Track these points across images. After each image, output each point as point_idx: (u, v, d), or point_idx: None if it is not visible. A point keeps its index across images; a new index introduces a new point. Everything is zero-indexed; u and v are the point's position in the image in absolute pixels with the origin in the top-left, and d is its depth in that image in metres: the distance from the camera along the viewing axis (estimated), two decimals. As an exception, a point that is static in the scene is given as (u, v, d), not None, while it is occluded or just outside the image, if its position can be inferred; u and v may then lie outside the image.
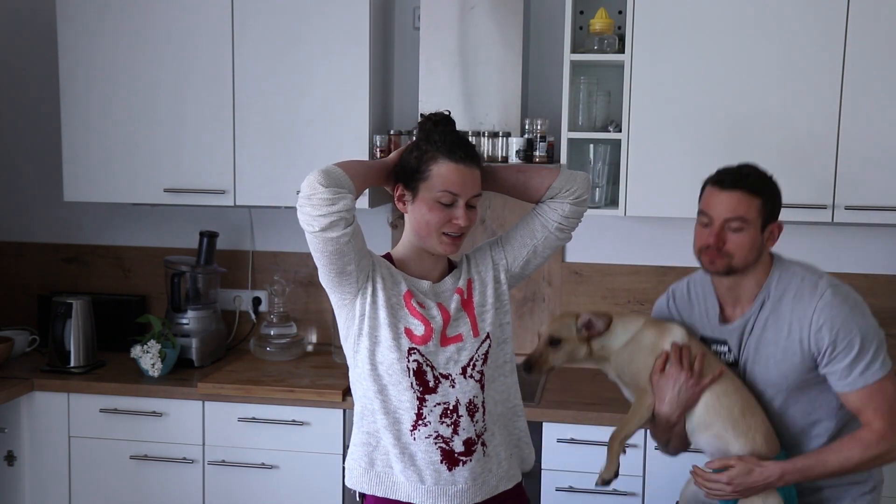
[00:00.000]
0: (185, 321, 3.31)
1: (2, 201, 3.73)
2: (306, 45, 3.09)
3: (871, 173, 2.81)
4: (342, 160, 1.90)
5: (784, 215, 2.14)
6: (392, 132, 3.03)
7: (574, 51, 2.96)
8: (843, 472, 2.03)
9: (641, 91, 2.90)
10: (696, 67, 2.88)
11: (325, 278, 1.91)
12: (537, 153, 2.96)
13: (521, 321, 3.41)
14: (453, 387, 1.93)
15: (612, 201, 3.07)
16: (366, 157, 3.03)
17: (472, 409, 1.94)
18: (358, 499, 2.03)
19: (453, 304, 1.98)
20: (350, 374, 2.01)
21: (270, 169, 3.13)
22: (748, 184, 2.03)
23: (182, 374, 3.18)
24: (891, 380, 2.00)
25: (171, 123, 3.19)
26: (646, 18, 2.88)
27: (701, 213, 2.09)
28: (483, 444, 1.96)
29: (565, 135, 2.96)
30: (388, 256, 2.03)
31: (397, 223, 2.04)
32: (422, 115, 2.03)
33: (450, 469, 1.93)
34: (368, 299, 1.92)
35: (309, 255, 1.91)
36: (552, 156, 2.99)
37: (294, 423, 2.97)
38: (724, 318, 2.16)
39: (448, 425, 1.92)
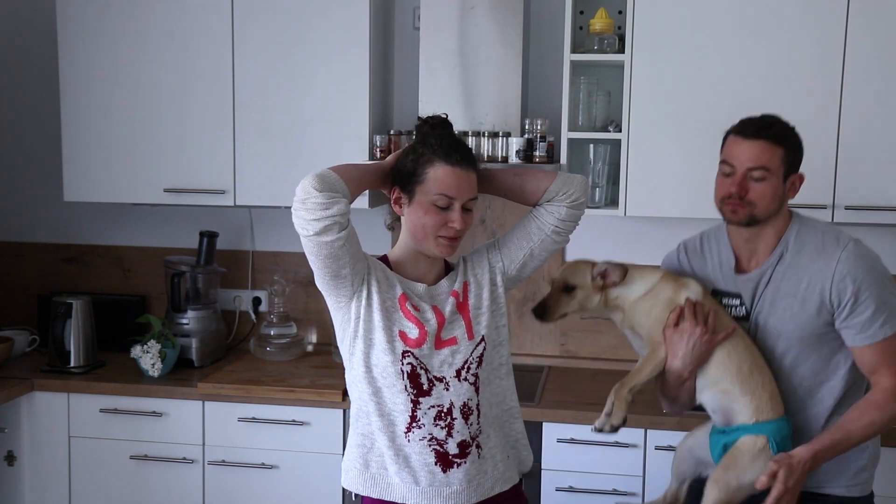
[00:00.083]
0: (185, 321, 3.31)
1: (2, 201, 3.73)
2: (306, 45, 3.09)
3: (871, 173, 2.81)
4: (338, 164, 1.90)
5: (784, 215, 2.14)
6: (392, 132, 3.03)
7: (574, 51, 2.96)
8: (867, 438, 2.02)
9: (641, 91, 2.90)
10: (696, 67, 2.88)
11: (320, 281, 1.92)
12: (537, 153, 2.96)
13: (521, 321, 3.41)
14: (447, 389, 1.94)
15: (612, 201, 3.07)
16: (366, 158, 3.03)
17: (466, 412, 1.94)
18: (354, 499, 2.03)
19: (448, 307, 1.98)
20: (346, 375, 2.02)
21: (270, 169, 3.13)
22: (771, 133, 2.02)
23: (182, 374, 3.18)
24: None
25: (172, 123, 3.19)
26: (646, 18, 2.88)
27: (723, 162, 2.07)
28: (478, 446, 1.97)
29: (565, 135, 2.96)
30: (384, 258, 2.04)
31: (394, 225, 2.04)
32: (419, 117, 2.03)
33: (444, 471, 1.93)
34: (363, 302, 1.93)
35: (309, 256, 1.92)
36: (552, 156, 2.99)
37: (294, 423, 2.97)
38: (739, 270, 2.14)
39: (442, 428, 1.93)
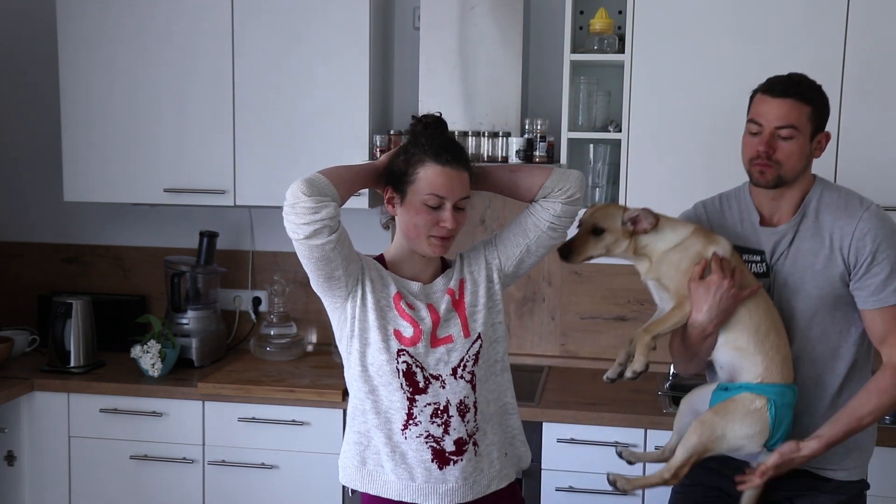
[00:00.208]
0: (185, 321, 3.31)
1: (2, 201, 3.73)
2: (306, 46, 3.09)
3: (871, 173, 2.81)
4: (338, 163, 1.90)
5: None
6: (392, 132, 3.03)
7: (574, 51, 2.96)
8: (875, 422, 2.04)
9: (641, 91, 2.90)
10: (696, 67, 2.88)
11: (314, 284, 1.94)
12: (537, 153, 2.96)
13: (521, 321, 3.42)
14: (444, 387, 1.94)
15: (612, 201, 3.07)
16: (366, 158, 3.03)
17: (462, 410, 1.95)
18: (351, 495, 2.04)
19: (443, 306, 1.99)
20: (345, 374, 2.03)
21: (270, 169, 3.13)
22: (799, 91, 2.03)
23: (182, 374, 3.18)
24: None
25: (172, 123, 3.19)
26: (646, 18, 2.88)
27: (751, 121, 2.07)
28: (475, 443, 1.97)
29: (565, 135, 2.96)
30: (380, 258, 2.04)
31: (389, 224, 2.04)
32: (413, 116, 2.03)
33: (440, 468, 1.94)
34: (358, 302, 1.94)
35: (309, 256, 1.92)
36: (552, 156, 2.99)
37: (294, 423, 2.97)
38: (763, 224, 2.14)
39: (439, 425, 1.93)
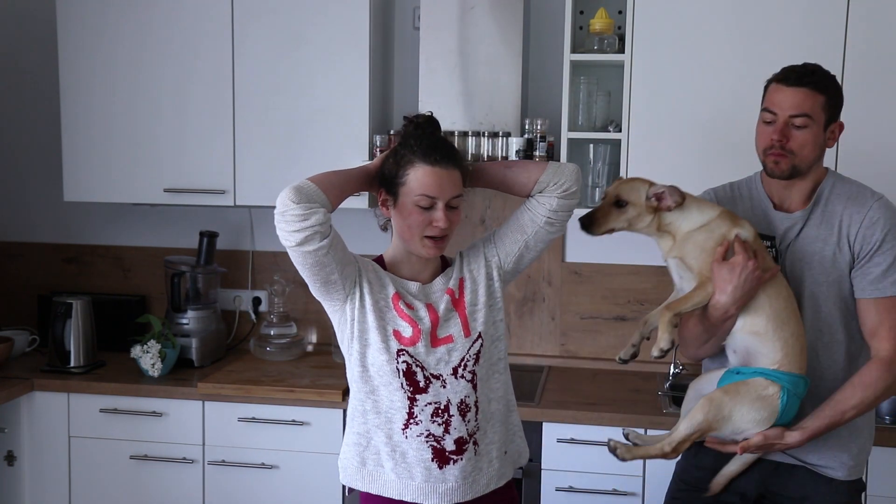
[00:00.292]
0: (185, 321, 3.31)
1: (2, 201, 3.73)
2: (306, 46, 3.09)
3: (871, 174, 2.79)
4: (338, 163, 1.91)
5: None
6: (392, 132, 3.03)
7: (574, 51, 2.96)
8: (858, 416, 2.04)
9: (641, 91, 2.90)
10: (697, 67, 2.88)
11: (312, 289, 1.96)
12: (537, 153, 2.96)
13: (521, 321, 3.42)
14: (444, 387, 1.95)
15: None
16: (366, 158, 3.03)
17: (463, 409, 1.95)
18: (348, 493, 2.05)
19: (443, 305, 1.99)
20: (347, 374, 2.04)
21: (270, 169, 3.13)
22: (813, 80, 2.04)
23: (182, 374, 3.18)
24: None
25: (172, 123, 3.19)
26: (646, 18, 2.88)
27: (765, 110, 2.08)
28: (475, 443, 1.97)
29: (565, 135, 2.96)
30: (380, 259, 2.05)
31: (387, 226, 2.05)
32: (405, 117, 2.03)
33: (440, 467, 1.94)
34: (356, 304, 1.95)
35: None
36: (552, 156, 2.99)
37: (294, 423, 2.97)
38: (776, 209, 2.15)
39: (439, 424, 1.94)
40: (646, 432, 2.76)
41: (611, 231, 2.10)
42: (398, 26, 3.38)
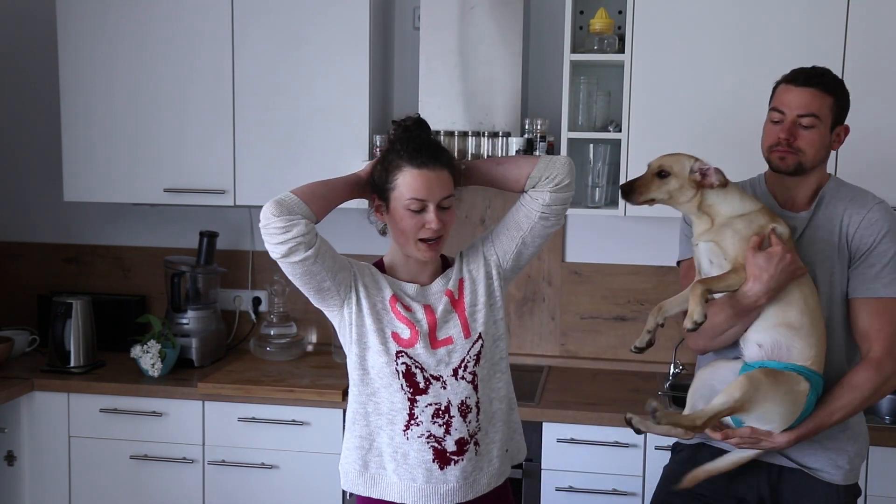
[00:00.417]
0: (185, 321, 3.31)
1: (2, 201, 3.73)
2: (306, 46, 3.09)
3: (870, 174, 2.80)
4: (340, 162, 1.91)
5: (785, 215, 2.14)
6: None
7: (574, 51, 2.96)
8: (846, 419, 2.04)
9: (641, 91, 2.90)
10: (697, 67, 2.88)
11: (308, 297, 1.98)
12: (537, 153, 2.96)
13: (521, 321, 3.42)
14: (445, 388, 1.95)
15: (612, 201, 3.07)
16: (365, 158, 3.03)
17: (464, 410, 1.96)
18: (349, 498, 2.05)
19: (441, 307, 2.00)
20: (349, 377, 2.04)
21: (270, 169, 3.13)
22: (822, 82, 2.06)
23: (182, 374, 3.18)
24: None
25: (172, 123, 3.19)
26: (646, 18, 2.88)
27: (773, 110, 2.09)
28: (476, 443, 1.98)
29: (565, 135, 2.97)
30: (380, 262, 2.06)
31: (385, 230, 2.05)
32: (393, 122, 2.03)
33: (441, 468, 1.95)
34: (354, 308, 1.97)
35: (309, 255, 1.93)
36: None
37: (294, 423, 2.97)
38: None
39: (440, 425, 1.94)
40: (645, 439, 2.77)
41: (651, 202, 2.09)
42: (398, 26, 3.38)
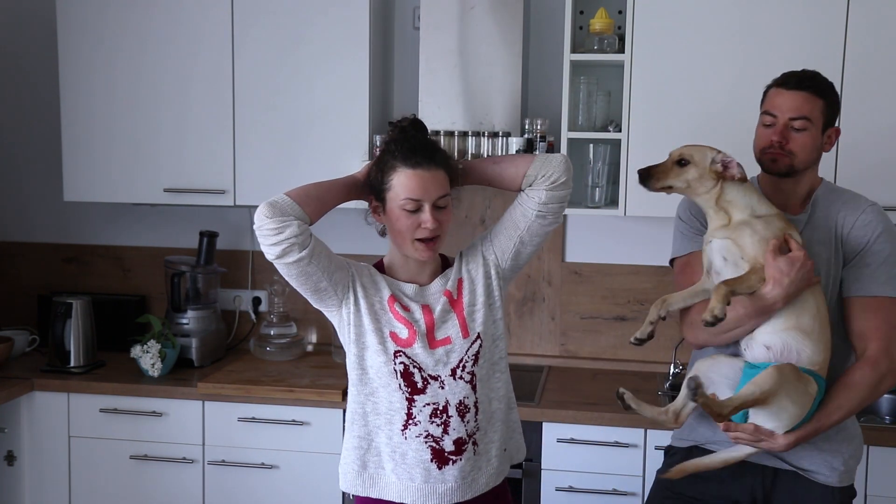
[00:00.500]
0: (185, 321, 3.31)
1: (2, 201, 3.73)
2: (306, 46, 3.09)
3: (870, 174, 2.81)
4: (340, 161, 1.92)
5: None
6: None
7: (574, 51, 2.96)
8: (844, 419, 2.04)
9: (641, 91, 2.90)
10: (697, 67, 2.88)
11: (306, 298, 1.99)
12: (537, 153, 2.96)
13: (521, 321, 3.42)
14: (443, 388, 1.96)
15: (612, 201, 3.07)
16: (365, 158, 3.03)
17: (462, 410, 1.96)
18: (351, 498, 2.06)
19: (439, 307, 2.00)
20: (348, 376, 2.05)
21: (270, 169, 3.13)
22: (813, 85, 2.07)
23: (182, 374, 3.18)
24: None
25: (172, 123, 3.19)
26: (646, 18, 2.88)
27: (765, 113, 2.10)
28: (474, 443, 1.98)
29: (565, 135, 2.97)
30: (380, 262, 2.07)
31: (384, 231, 2.06)
32: (389, 123, 2.04)
33: (440, 468, 1.95)
34: (352, 308, 1.98)
35: (309, 256, 1.93)
36: (552, 156, 2.99)
37: (294, 423, 2.97)
38: None
39: (438, 425, 1.95)
40: (645, 432, 2.78)
41: (668, 189, 2.08)
42: (398, 26, 3.38)
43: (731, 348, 2.12)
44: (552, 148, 3.00)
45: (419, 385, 1.95)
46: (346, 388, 2.06)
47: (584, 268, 3.37)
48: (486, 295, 2.03)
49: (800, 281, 1.97)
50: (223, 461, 3.02)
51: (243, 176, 3.17)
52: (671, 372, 3.11)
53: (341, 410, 2.92)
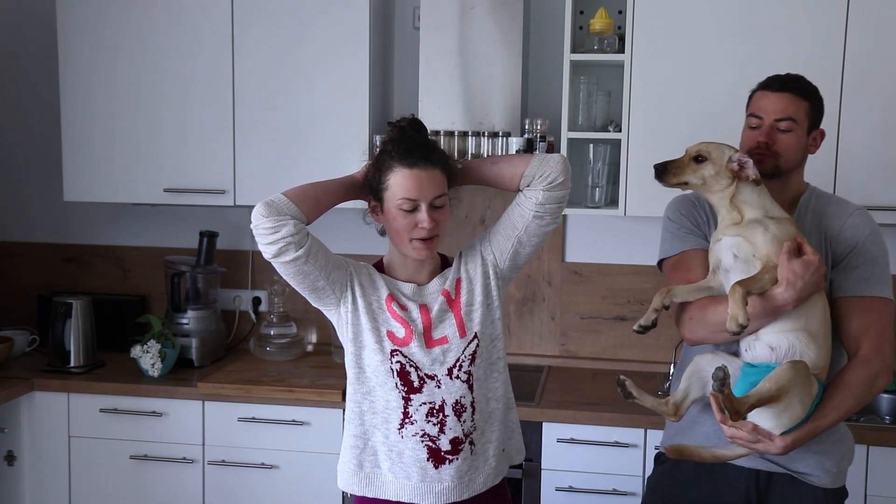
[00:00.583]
0: (185, 321, 3.31)
1: (2, 201, 3.73)
2: (306, 46, 3.09)
3: (870, 174, 2.81)
4: (341, 161, 1.92)
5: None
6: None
7: (574, 51, 2.96)
8: (840, 420, 2.04)
9: (641, 91, 2.90)
10: (697, 67, 2.88)
11: (305, 296, 2.00)
12: (536, 153, 2.96)
13: (521, 321, 3.42)
14: (439, 387, 1.96)
15: (612, 201, 3.07)
16: (365, 158, 3.02)
17: (458, 410, 1.96)
18: (350, 497, 2.07)
19: (436, 307, 2.00)
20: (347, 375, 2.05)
21: (270, 169, 3.13)
22: (797, 87, 2.09)
23: (182, 374, 3.18)
24: (890, 307, 2.05)
25: (172, 123, 3.19)
26: (646, 18, 2.88)
27: (751, 116, 2.12)
28: (471, 442, 1.98)
29: (565, 135, 2.97)
30: (380, 262, 2.08)
31: (384, 230, 2.06)
32: (389, 123, 2.05)
33: (436, 467, 1.96)
34: (350, 307, 1.99)
35: (309, 256, 1.93)
36: (552, 156, 2.99)
37: (294, 423, 2.97)
38: None
39: (434, 424, 1.95)
40: (645, 432, 2.78)
41: (684, 185, 2.08)
42: (398, 26, 3.38)
43: (730, 348, 2.11)
44: (552, 148, 3.00)
45: (415, 384, 1.95)
46: (346, 387, 2.06)
47: (584, 268, 3.37)
48: (485, 295, 2.03)
49: (812, 285, 1.96)
50: (223, 461, 3.02)
51: (243, 176, 3.17)
52: (671, 372, 3.11)
53: (341, 410, 2.92)
